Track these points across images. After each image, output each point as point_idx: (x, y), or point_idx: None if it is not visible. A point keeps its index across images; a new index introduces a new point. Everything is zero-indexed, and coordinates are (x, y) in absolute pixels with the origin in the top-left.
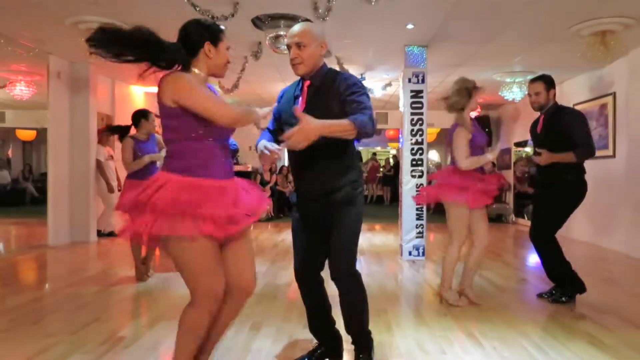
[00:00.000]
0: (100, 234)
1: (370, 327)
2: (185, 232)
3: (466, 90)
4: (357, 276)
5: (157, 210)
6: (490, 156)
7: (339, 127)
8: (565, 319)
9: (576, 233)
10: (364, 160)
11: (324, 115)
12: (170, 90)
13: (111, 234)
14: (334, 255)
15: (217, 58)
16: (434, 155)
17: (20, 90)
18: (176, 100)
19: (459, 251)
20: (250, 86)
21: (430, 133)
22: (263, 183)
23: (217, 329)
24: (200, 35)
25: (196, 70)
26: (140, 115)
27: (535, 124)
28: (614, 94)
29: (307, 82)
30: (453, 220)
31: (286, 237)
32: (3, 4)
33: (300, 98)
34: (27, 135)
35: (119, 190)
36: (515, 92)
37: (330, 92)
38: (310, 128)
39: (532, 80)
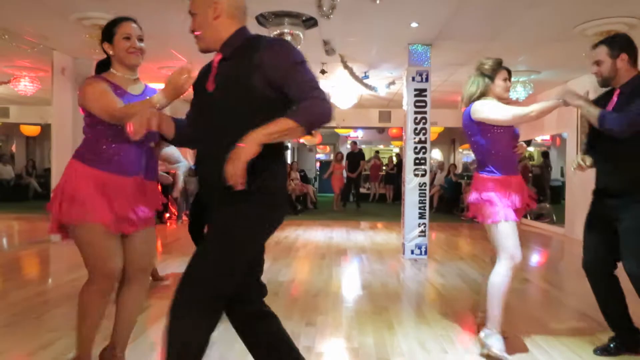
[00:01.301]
0: None
1: (370, 325)
2: (79, 220)
3: (482, 76)
4: None
5: (64, 197)
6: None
7: (278, 129)
8: (569, 320)
9: (579, 233)
10: (367, 158)
11: (242, 100)
12: (78, 96)
13: None
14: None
15: (116, 52)
16: (436, 154)
17: (25, 85)
18: (80, 104)
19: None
20: None
21: (434, 132)
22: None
23: (123, 317)
24: (100, 39)
25: (112, 70)
26: None
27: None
28: None
29: (218, 56)
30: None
31: (288, 234)
32: (8, 0)
33: (209, 79)
34: (31, 130)
35: None
36: (519, 91)
37: (249, 65)
38: (239, 153)
39: (593, 46)
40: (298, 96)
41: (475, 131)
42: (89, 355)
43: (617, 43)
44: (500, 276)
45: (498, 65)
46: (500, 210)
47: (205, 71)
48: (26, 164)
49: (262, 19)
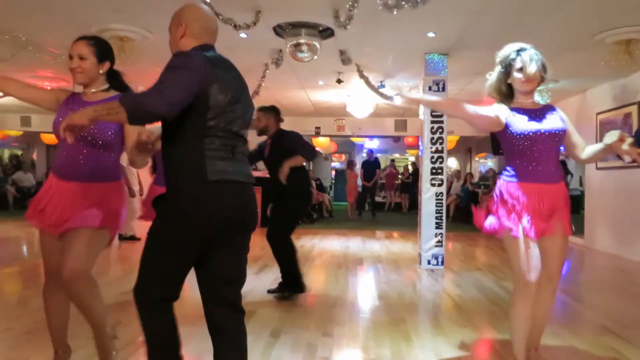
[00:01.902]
0: (121, 237)
1: (387, 336)
2: (32, 224)
3: (501, 72)
4: None
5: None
6: None
7: (103, 106)
8: (589, 333)
9: (599, 244)
10: (382, 166)
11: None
12: None
13: (132, 238)
14: None
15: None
16: (452, 163)
17: None
18: None
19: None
20: (270, 93)
21: (450, 141)
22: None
23: (83, 313)
24: None
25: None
26: None
27: None
28: (638, 103)
29: None
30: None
31: (304, 243)
32: (32, 13)
33: None
34: (52, 138)
35: (141, 195)
36: (537, 100)
37: None
38: (70, 115)
39: None
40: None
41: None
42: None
43: None
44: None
45: (513, 53)
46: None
47: None
48: (47, 171)
49: (279, 30)
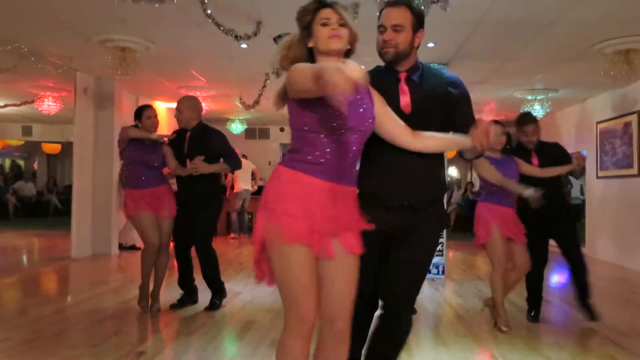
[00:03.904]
0: (121, 247)
1: None
2: None
3: None
4: None
5: None
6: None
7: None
8: (590, 343)
9: (600, 253)
10: None
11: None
12: None
13: (132, 247)
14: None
15: None
16: (453, 172)
17: (48, 105)
18: None
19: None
20: (270, 102)
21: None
22: None
23: None
24: None
25: None
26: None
27: None
28: (638, 112)
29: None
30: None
31: None
32: (34, 23)
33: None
34: (52, 148)
35: None
36: (537, 109)
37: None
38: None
39: None
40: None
41: None
42: None
43: None
44: None
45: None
46: None
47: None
48: (47, 181)
49: (280, 41)
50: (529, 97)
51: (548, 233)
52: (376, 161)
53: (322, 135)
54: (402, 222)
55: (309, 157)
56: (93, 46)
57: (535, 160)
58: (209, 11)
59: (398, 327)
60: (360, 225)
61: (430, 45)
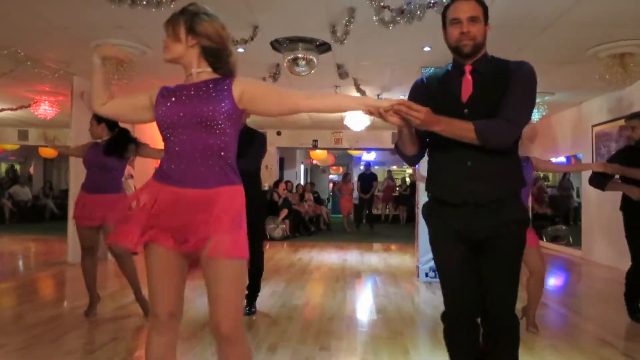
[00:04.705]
0: None
1: (385, 350)
2: None
3: None
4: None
5: None
6: None
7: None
8: (587, 346)
9: (597, 256)
10: (380, 179)
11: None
12: None
13: None
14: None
15: None
16: None
17: (44, 110)
18: None
19: None
20: None
21: None
22: (274, 204)
23: None
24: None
25: None
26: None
27: None
28: None
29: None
30: None
31: (302, 256)
32: (31, 28)
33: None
34: (49, 152)
35: None
36: (533, 112)
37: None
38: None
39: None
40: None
41: None
42: None
43: None
44: None
45: None
46: None
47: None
48: (43, 185)
49: (277, 45)
50: None
51: None
52: (435, 162)
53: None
54: (477, 224)
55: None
56: (90, 51)
57: None
58: None
59: (508, 333)
60: (220, 229)
61: (427, 49)
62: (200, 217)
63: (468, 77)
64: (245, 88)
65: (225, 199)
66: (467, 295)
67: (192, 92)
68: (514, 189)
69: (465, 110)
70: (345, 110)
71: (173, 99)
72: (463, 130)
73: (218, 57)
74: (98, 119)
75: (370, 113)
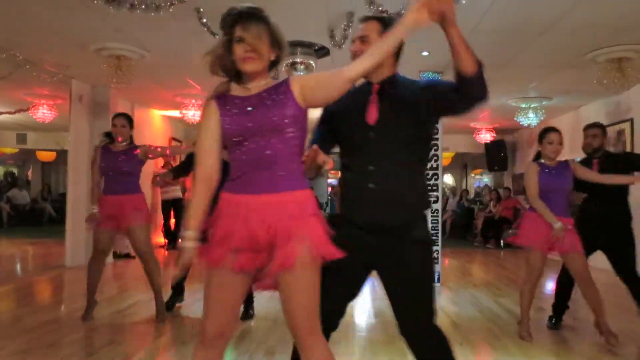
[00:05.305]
0: (116, 255)
1: (384, 354)
2: None
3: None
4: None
5: None
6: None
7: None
8: (585, 350)
9: (598, 261)
10: None
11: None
12: None
13: (127, 256)
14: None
15: None
16: (448, 179)
17: (43, 113)
18: None
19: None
20: None
21: (446, 157)
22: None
23: None
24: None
25: None
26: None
27: None
28: (631, 120)
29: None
30: None
31: None
32: (30, 32)
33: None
34: (47, 156)
35: None
36: (530, 117)
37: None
38: None
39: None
40: None
41: None
42: None
43: None
44: None
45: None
46: None
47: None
48: (41, 189)
49: None
50: (523, 105)
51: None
52: (345, 183)
53: (235, 149)
54: (381, 248)
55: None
56: (89, 54)
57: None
58: (204, 20)
59: (431, 342)
60: (298, 234)
61: (425, 54)
62: (277, 224)
63: (374, 98)
64: (302, 83)
65: (299, 203)
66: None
67: (256, 101)
68: (419, 211)
69: (370, 130)
70: (391, 50)
71: (236, 110)
72: (470, 50)
73: (277, 65)
74: (130, 121)
75: (419, 22)
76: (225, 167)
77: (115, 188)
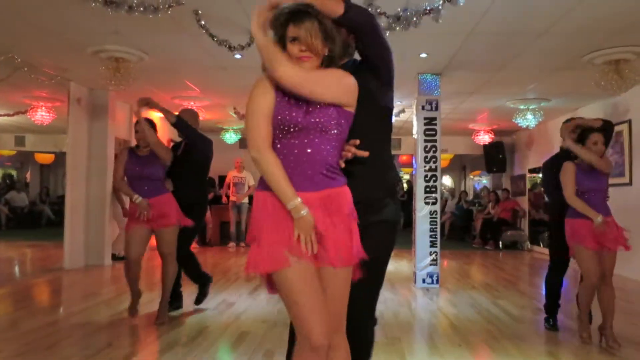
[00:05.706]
0: (114, 257)
1: (383, 356)
2: None
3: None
4: None
5: None
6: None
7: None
8: (583, 352)
9: None
10: None
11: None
12: None
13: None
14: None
15: None
16: (447, 181)
17: (41, 115)
18: None
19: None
20: None
21: (444, 159)
22: None
23: None
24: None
25: None
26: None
27: None
28: (629, 122)
29: None
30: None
31: None
32: (28, 34)
33: None
34: (45, 158)
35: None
36: (529, 119)
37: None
38: None
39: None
40: None
41: None
42: None
43: None
44: None
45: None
46: None
47: None
48: (40, 191)
49: None
50: (521, 107)
51: None
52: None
53: (275, 141)
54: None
55: None
56: (87, 57)
57: None
58: (202, 22)
59: (357, 339)
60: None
61: (423, 55)
62: (320, 220)
63: None
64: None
65: (339, 200)
66: None
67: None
68: (383, 191)
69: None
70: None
71: (292, 100)
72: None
73: (333, 60)
74: (149, 122)
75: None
76: (172, 172)
77: (144, 192)
